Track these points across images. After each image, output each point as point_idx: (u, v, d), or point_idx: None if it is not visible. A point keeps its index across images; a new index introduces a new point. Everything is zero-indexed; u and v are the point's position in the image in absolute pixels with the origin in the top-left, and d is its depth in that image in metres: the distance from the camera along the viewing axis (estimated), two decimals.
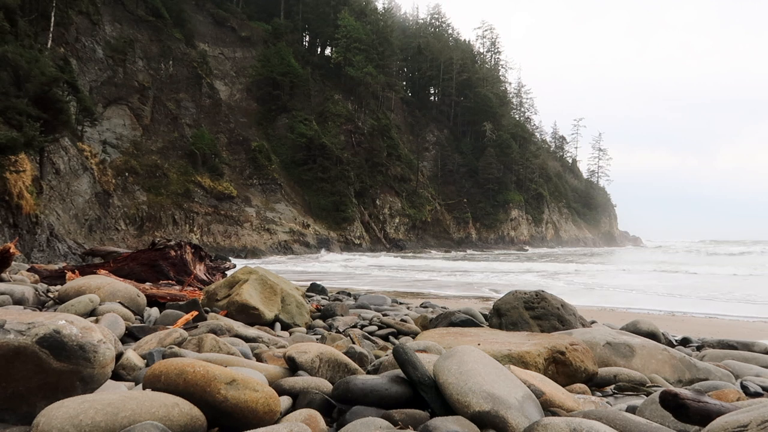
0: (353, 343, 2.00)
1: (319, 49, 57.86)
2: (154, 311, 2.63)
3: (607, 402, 1.57)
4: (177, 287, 3.44)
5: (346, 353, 1.64)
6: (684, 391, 1.08)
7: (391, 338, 2.61)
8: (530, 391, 1.26)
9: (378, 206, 47.96)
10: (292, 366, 1.47)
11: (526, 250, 54.15)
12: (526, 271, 17.25)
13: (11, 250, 3.12)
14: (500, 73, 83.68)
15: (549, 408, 1.30)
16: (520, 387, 1.24)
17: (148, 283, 3.40)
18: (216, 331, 2.16)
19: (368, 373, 1.59)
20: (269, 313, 2.78)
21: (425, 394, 1.21)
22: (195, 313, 2.41)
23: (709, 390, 1.59)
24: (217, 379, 1.10)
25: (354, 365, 1.51)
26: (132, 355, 1.57)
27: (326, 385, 1.37)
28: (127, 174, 34.17)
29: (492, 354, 1.53)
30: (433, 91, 70.36)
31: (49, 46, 26.05)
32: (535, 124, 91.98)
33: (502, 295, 3.07)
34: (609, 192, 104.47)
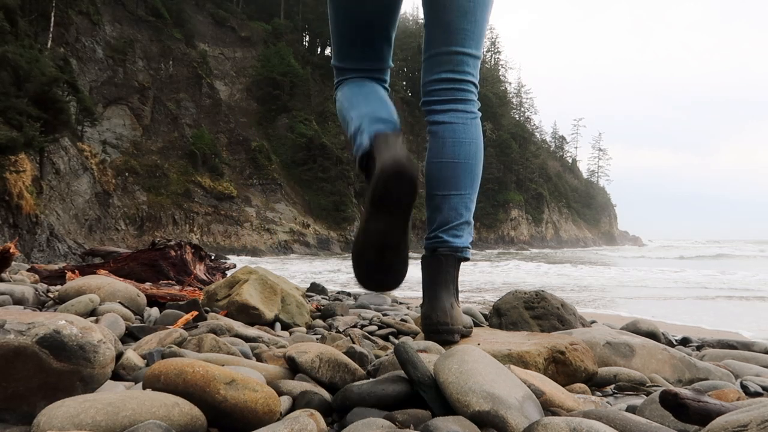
0: (353, 343, 2.00)
1: (319, 49, 57.89)
2: (154, 311, 2.62)
3: (607, 402, 1.57)
4: (177, 287, 3.44)
5: (346, 353, 1.64)
6: (684, 391, 1.08)
7: (391, 338, 2.62)
8: (530, 391, 1.26)
9: None
10: (292, 366, 1.47)
11: (528, 251, 54.16)
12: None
13: (11, 250, 3.12)
14: (500, 73, 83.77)
15: (549, 408, 1.30)
16: (520, 387, 1.24)
17: (148, 283, 3.40)
18: (216, 331, 2.16)
19: (368, 373, 1.59)
20: (269, 313, 2.78)
21: (425, 393, 1.21)
22: (195, 313, 2.41)
23: (709, 390, 1.59)
24: (216, 379, 1.10)
25: (354, 365, 1.50)
26: (132, 354, 1.57)
27: (326, 393, 1.37)
28: (127, 174, 34.19)
29: (492, 353, 1.53)
30: None
31: (49, 46, 26.07)
32: (535, 124, 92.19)
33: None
34: (609, 192, 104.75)
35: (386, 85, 1.65)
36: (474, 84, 1.57)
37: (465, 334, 1.71)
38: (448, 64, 1.51)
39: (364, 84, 1.58)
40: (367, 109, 1.47)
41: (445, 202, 1.48)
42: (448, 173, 1.46)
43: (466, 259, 1.55)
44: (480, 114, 1.58)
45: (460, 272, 1.64)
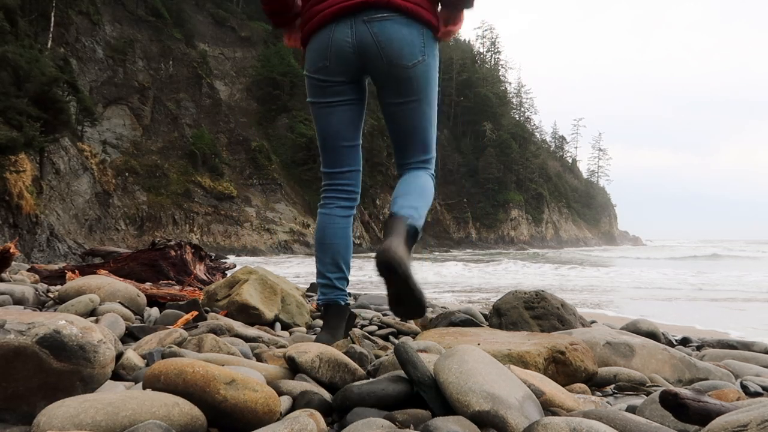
0: (353, 342, 2.00)
1: None
2: (154, 311, 2.62)
3: (607, 402, 1.57)
4: (177, 287, 3.44)
5: (346, 353, 1.64)
6: (684, 391, 1.08)
7: (391, 338, 2.62)
8: (530, 391, 1.26)
9: (378, 206, 47.95)
10: (292, 366, 1.47)
11: (525, 250, 54.09)
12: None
13: (11, 250, 3.12)
14: (500, 73, 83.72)
15: (549, 408, 1.30)
16: (520, 387, 1.24)
17: (148, 283, 3.40)
18: (216, 331, 2.16)
19: (368, 373, 1.59)
20: (269, 313, 2.77)
21: (425, 393, 1.21)
22: (195, 313, 2.41)
23: (709, 390, 1.59)
24: (216, 379, 1.10)
25: (354, 365, 1.50)
26: (132, 355, 1.57)
27: (326, 393, 1.37)
28: (127, 174, 34.19)
29: (492, 354, 1.53)
30: None
31: (49, 46, 26.08)
32: (535, 124, 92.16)
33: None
34: (609, 192, 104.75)
35: (354, 200, 2.20)
36: (431, 174, 2.09)
37: (419, 295, 1.66)
38: (408, 168, 2.07)
39: (332, 221, 2.12)
40: (322, 265, 2.10)
41: (402, 199, 1.91)
42: (406, 190, 1.96)
43: (416, 231, 1.83)
44: (433, 178, 2.10)
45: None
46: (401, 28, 1.89)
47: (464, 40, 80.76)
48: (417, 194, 1.96)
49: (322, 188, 2.20)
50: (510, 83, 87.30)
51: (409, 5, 1.88)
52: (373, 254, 1.69)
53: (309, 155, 44.28)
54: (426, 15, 1.92)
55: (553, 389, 1.36)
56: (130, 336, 2.04)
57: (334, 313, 2.09)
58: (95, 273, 3.46)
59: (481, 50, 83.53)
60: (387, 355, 1.74)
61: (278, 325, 2.75)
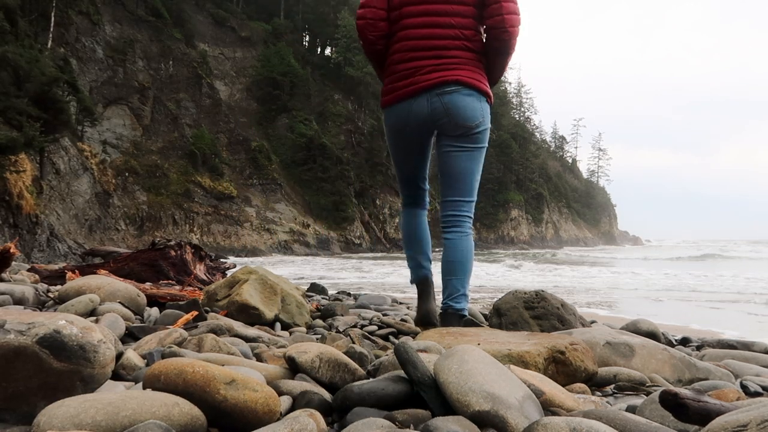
0: (353, 342, 2.00)
1: (319, 49, 57.83)
2: (154, 311, 2.62)
3: (607, 402, 1.57)
4: (177, 287, 3.44)
5: (346, 353, 1.64)
6: (684, 391, 1.08)
7: (391, 338, 2.62)
8: (530, 391, 1.26)
9: (378, 206, 47.93)
10: (292, 366, 1.47)
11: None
12: None
13: (11, 250, 3.12)
14: None
15: (549, 408, 1.30)
16: (520, 387, 1.24)
17: (148, 283, 3.40)
18: (216, 331, 2.16)
19: (368, 373, 1.58)
20: (269, 313, 2.77)
21: (425, 393, 1.21)
22: (195, 313, 2.41)
23: (709, 390, 1.59)
24: (216, 379, 1.10)
25: (354, 365, 1.50)
26: (132, 354, 1.57)
27: (326, 393, 1.37)
28: (127, 174, 34.16)
29: (492, 353, 1.53)
30: None
31: (49, 46, 26.07)
32: (535, 124, 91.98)
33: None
34: (609, 192, 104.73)
35: (426, 204, 2.75)
36: (468, 216, 2.53)
37: None
38: (451, 206, 2.52)
39: (414, 219, 2.70)
40: (411, 252, 2.66)
41: (450, 282, 2.47)
42: (451, 267, 2.48)
43: (464, 316, 2.43)
44: (471, 232, 2.53)
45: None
46: (465, 97, 2.38)
47: None
48: (462, 270, 2.47)
49: (402, 200, 2.79)
50: (510, 83, 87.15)
51: (470, 80, 2.38)
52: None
53: (309, 155, 44.25)
54: (482, 86, 2.41)
55: (553, 389, 1.36)
56: (130, 336, 2.04)
57: (427, 284, 2.56)
58: (95, 273, 3.46)
59: None
60: (387, 355, 1.74)
61: (278, 325, 2.75)
